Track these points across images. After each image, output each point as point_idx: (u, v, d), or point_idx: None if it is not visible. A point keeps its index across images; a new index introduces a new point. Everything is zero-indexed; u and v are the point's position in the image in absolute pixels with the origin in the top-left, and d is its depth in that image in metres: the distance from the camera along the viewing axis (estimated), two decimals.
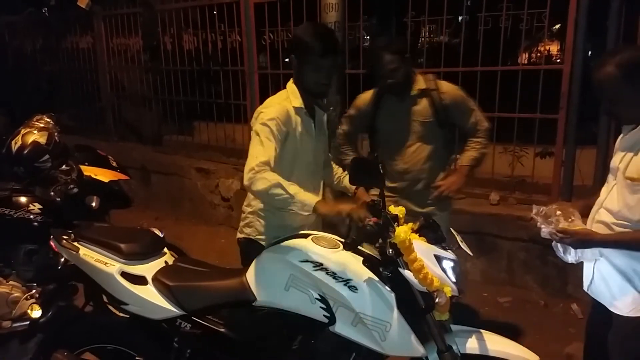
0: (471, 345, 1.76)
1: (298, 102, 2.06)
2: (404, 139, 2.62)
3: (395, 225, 1.76)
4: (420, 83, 2.61)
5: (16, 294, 2.70)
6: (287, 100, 2.06)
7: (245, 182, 1.87)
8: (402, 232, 1.61)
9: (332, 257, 1.77)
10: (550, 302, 3.36)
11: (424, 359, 1.76)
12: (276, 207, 1.98)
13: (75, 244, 2.09)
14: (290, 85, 2.12)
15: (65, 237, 2.14)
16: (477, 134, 2.66)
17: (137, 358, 2.07)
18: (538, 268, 3.45)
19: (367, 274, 1.73)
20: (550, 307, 3.34)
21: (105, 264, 2.01)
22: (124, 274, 1.99)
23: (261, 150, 1.90)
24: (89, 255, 2.04)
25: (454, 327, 1.82)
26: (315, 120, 2.16)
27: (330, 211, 1.78)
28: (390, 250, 1.66)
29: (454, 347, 1.71)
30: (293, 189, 1.83)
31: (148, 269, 2.01)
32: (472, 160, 2.65)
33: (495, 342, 1.79)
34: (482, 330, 1.83)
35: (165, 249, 2.18)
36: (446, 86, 2.65)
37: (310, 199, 1.82)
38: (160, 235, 2.31)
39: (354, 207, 1.72)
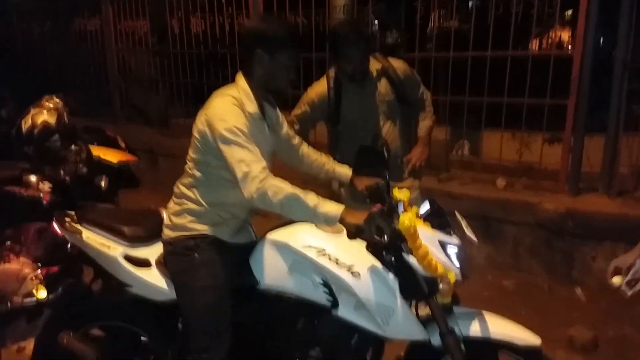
0: (474, 327, 1.75)
1: (253, 107, 1.82)
2: (375, 122, 2.64)
3: (399, 212, 1.75)
4: (375, 64, 2.65)
5: (26, 271, 2.74)
6: (239, 105, 1.79)
7: (253, 195, 1.66)
8: (407, 219, 1.57)
9: (335, 242, 1.75)
10: (554, 287, 3.37)
11: (426, 342, 1.76)
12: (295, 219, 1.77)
13: (78, 226, 2.08)
14: (243, 84, 1.85)
15: (67, 219, 2.11)
16: (425, 103, 2.82)
17: (142, 337, 2.10)
18: (543, 253, 3.46)
19: (370, 259, 1.73)
20: (555, 291, 3.35)
21: (109, 247, 2.00)
22: (128, 258, 1.99)
23: (250, 154, 1.69)
24: (92, 238, 2.04)
25: (456, 309, 1.81)
26: (266, 120, 1.92)
27: (358, 221, 1.59)
28: (395, 237, 1.60)
29: (457, 330, 1.70)
30: (312, 198, 1.66)
31: (152, 252, 2.00)
32: (429, 129, 2.83)
33: (498, 325, 1.78)
34: (485, 312, 1.82)
35: None
36: (395, 62, 2.73)
37: (334, 209, 1.64)
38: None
39: (373, 216, 1.58)
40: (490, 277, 3.48)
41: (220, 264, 1.85)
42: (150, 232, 2.05)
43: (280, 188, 1.65)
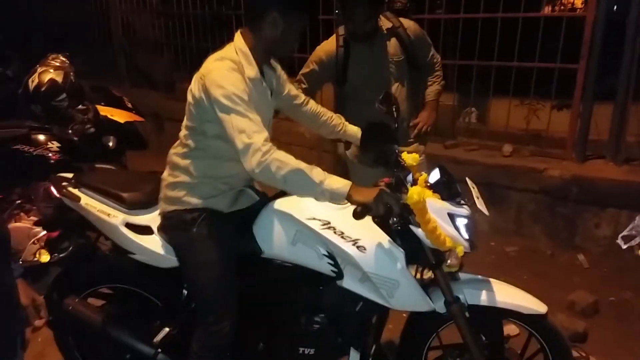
0: (479, 295, 1.74)
1: (253, 71, 1.70)
2: (383, 82, 2.58)
3: (408, 183, 1.70)
4: (386, 23, 2.60)
5: (36, 229, 2.79)
6: (238, 70, 1.65)
7: (255, 169, 1.55)
8: (416, 193, 1.51)
9: (340, 214, 1.68)
10: (556, 252, 3.40)
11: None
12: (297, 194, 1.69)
13: (77, 192, 2.01)
14: (242, 46, 1.71)
15: (65, 183, 2.04)
16: (435, 67, 2.77)
17: (149, 302, 2.06)
18: (546, 219, 3.48)
19: (377, 232, 1.69)
20: (557, 257, 3.38)
21: (109, 215, 1.95)
22: (129, 225, 1.93)
23: (251, 124, 1.56)
24: (91, 205, 1.98)
25: (462, 275, 1.80)
26: (267, 84, 1.81)
27: (366, 199, 1.52)
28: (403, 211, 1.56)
29: (462, 297, 1.70)
30: (317, 173, 1.56)
31: (153, 219, 1.94)
32: (437, 93, 2.79)
33: (504, 292, 1.76)
34: (491, 280, 1.81)
35: None
36: (406, 22, 2.67)
37: (341, 185, 1.56)
38: None
39: (384, 193, 1.54)
40: (493, 242, 3.51)
41: (220, 236, 1.79)
42: (150, 197, 1.96)
43: (284, 162, 1.54)
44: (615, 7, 3.66)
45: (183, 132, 1.80)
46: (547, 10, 5.26)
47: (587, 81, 3.35)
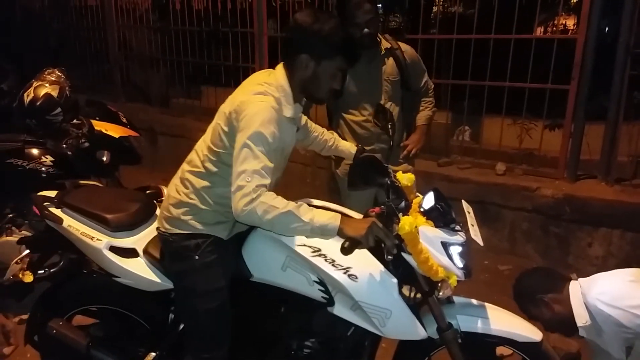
0: (473, 322, 1.73)
1: (290, 112, 1.67)
2: (376, 99, 2.60)
3: (401, 210, 1.68)
4: (385, 43, 2.67)
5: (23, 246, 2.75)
6: (278, 108, 1.63)
7: (239, 213, 1.52)
8: (407, 224, 1.50)
9: (332, 241, 1.61)
10: None
11: None
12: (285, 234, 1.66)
13: (59, 213, 1.96)
14: (284, 83, 1.67)
15: (47, 203, 2.00)
16: (428, 93, 2.84)
17: (135, 324, 2.01)
18: (540, 238, 3.49)
19: (369, 260, 1.67)
20: None
21: (92, 238, 1.90)
22: (113, 248, 1.89)
23: (259, 167, 1.53)
24: (74, 227, 1.93)
25: (456, 298, 1.79)
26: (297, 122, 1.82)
27: (356, 233, 1.51)
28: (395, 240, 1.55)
29: (455, 323, 1.69)
30: (305, 211, 1.53)
31: (138, 240, 1.91)
32: (428, 119, 2.86)
33: (498, 319, 1.75)
34: (486, 305, 1.79)
35: (157, 212, 2.01)
36: (404, 46, 2.75)
37: (331, 220, 1.52)
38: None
39: (374, 226, 1.52)
40: (487, 261, 3.51)
41: (221, 264, 1.76)
42: (135, 217, 1.93)
43: (272, 206, 1.51)
44: (606, 29, 3.73)
45: (203, 152, 1.73)
46: (539, 31, 5.36)
47: (579, 102, 3.40)
